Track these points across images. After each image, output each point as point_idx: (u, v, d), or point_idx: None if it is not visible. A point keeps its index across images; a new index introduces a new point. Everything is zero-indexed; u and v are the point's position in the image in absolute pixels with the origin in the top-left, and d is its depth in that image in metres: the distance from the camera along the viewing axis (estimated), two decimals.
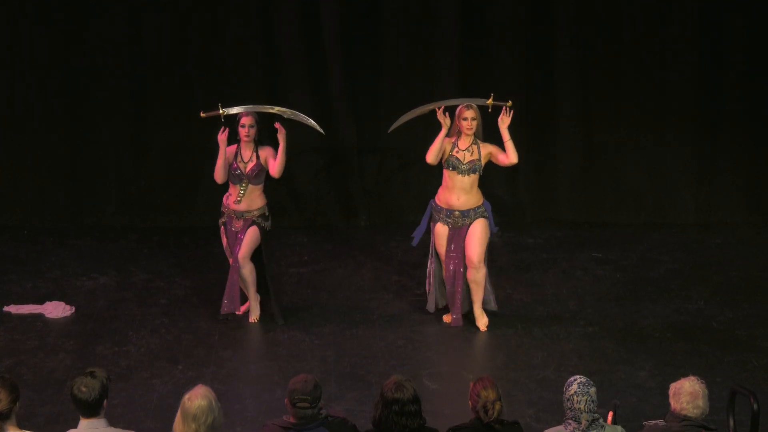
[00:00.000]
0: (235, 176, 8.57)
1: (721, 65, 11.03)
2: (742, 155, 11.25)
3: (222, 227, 8.74)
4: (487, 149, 8.59)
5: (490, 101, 8.84)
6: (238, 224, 8.64)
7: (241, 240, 8.61)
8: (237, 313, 8.87)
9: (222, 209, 8.75)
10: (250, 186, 8.59)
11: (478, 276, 8.66)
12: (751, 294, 9.50)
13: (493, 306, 8.91)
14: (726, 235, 10.95)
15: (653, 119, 11.16)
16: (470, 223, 8.62)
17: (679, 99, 11.10)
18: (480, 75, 10.88)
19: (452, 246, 8.65)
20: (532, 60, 11.02)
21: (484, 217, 8.66)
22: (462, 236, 8.63)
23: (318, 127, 9.14)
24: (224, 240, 8.77)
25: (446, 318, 8.90)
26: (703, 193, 11.30)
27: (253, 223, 8.64)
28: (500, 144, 8.62)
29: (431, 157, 8.55)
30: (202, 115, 8.82)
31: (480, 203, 8.66)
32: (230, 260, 8.76)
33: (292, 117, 9.11)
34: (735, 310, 9.15)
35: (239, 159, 8.56)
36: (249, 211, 8.64)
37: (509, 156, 8.58)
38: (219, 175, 8.59)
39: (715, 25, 10.93)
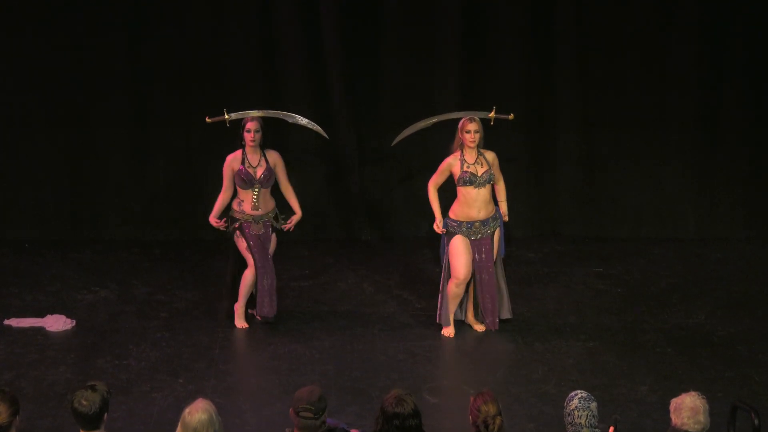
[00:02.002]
0: (245, 182, 8.62)
1: (722, 81, 11.04)
2: (742, 170, 11.25)
3: (238, 231, 8.76)
4: (491, 160, 8.63)
5: (492, 114, 8.88)
6: (257, 229, 8.72)
7: (266, 247, 8.77)
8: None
9: (233, 215, 8.75)
10: (262, 190, 8.64)
11: None
12: (752, 309, 9.49)
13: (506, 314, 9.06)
14: (726, 250, 10.94)
15: (653, 134, 11.17)
16: (492, 232, 8.68)
17: (679, 114, 11.11)
18: (481, 88, 10.89)
19: (482, 256, 8.69)
20: (532, 74, 11.04)
21: (499, 225, 8.75)
22: (488, 245, 8.68)
23: (322, 131, 9.24)
24: (244, 242, 8.76)
25: (445, 332, 8.90)
26: (703, 208, 11.30)
27: (273, 229, 8.81)
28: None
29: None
30: (207, 120, 8.86)
31: (495, 210, 8.74)
32: (252, 263, 8.76)
33: (295, 122, 9.19)
34: (736, 325, 9.14)
35: (247, 164, 8.62)
36: (266, 215, 8.74)
37: (500, 193, 8.77)
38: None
39: (716, 41, 10.94)
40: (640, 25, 10.94)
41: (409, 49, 10.96)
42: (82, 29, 10.70)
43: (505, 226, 10.33)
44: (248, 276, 8.81)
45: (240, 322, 8.96)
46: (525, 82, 11.03)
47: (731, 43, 10.96)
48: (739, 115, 11.14)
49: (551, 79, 11.08)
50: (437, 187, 8.77)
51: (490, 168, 8.59)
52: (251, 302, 8.97)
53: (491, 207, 8.70)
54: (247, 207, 8.70)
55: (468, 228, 8.65)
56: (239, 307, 8.94)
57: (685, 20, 10.91)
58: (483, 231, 8.67)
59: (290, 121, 9.24)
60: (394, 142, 9.39)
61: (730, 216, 11.31)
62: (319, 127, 9.25)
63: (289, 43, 10.83)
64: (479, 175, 8.56)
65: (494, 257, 8.75)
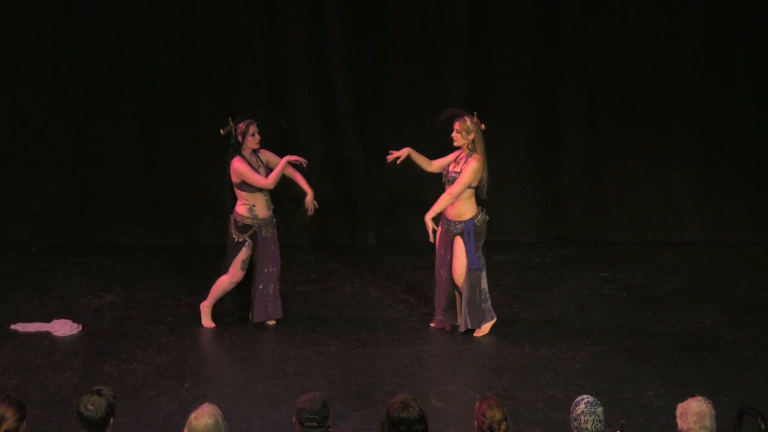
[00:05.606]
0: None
1: (728, 86, 11.04)
2: (749, 174, 11.25)
3: (249, 240, 8.81)
4: (465, 166, 8.56)
5: (474, 119, 8.85)
6: (267, 232, 8.83)
7: (272, 251, 8.86)
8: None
9: (245, 222, 8.79)
10: (267, 190, 8.81)
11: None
12: (758, 313, 9.48)
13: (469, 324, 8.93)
14: (733, 255, 10.94)
15: (660, 139, 11.17)
16: (452, 234, 8.70)
17: (685, 119, 11.11)
18: (487, 93, 10.90)
19: (444, 252, 8.77)
20: (540, 79, 11.04)
21: (460, 234, 8.68)
22: (447, 243, 8.75)
23: (284, 123, 9.66)
24: (246, 252, 8.83)
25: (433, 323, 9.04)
26: (709, 213, 11.30)
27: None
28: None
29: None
30: (222, 132, 8.86)
31: (464, 219, 8.66)
32: (235, 272, 8.87)
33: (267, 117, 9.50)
34: (742, 330, 9.13)
35: (254, 167, 8.69)
36: (273, 215, 8.89)
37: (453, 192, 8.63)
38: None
39: (722, 48, 10.94)
40: (647, 31, 10.94)
41: (415, 55, 10.96)
42: (89, 35, 10.73)
43: (512, 230, 10.34)
44: (224, 282, 8.97)
45: (207, 322, 9.07)
46: (531, 86, 11.03)
47: (738, 47, 10.95)
48: (746, 120, 11.13)
49: (557, 83, 11.07)
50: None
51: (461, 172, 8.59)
52: (246, 307, 9.12)
53: (457, 211, 8.63)
54: (261, 211, 8.80)
55: (441, 218, 8.75)
56: (206, 306, 9.06)
57: (691, 26, 10.91)
58: (449, 230, 8.72)
59: (272, 117, 9.50)
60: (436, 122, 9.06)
61: (736, 220, 11.30)
62: (281, 120, 9.58)
63: (296, 48, 10.84)
64: (448, 174, 8.65)
65: (459, 263, 8.70)
